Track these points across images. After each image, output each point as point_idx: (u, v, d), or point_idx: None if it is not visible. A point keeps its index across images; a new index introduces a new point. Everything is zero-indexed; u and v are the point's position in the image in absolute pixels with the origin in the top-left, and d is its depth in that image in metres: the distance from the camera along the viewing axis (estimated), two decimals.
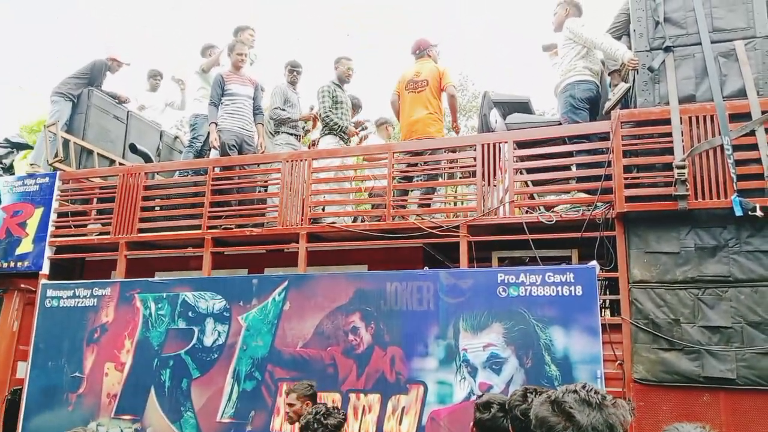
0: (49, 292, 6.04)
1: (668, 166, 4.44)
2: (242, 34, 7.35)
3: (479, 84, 20.56)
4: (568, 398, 1.61)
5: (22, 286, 6.44)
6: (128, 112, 8.14)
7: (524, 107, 5.82)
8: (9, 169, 7.22)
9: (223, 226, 5.86)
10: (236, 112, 6.59)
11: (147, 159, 7.47)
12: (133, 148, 7.45)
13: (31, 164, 6.95)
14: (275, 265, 6.05)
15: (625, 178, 4.53)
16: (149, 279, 5.84)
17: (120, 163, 7.54)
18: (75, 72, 7.51)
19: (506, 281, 4.65)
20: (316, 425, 3.29)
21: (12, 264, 6.36)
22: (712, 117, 4.45)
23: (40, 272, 6.23)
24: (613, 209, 4.59)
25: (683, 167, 4.34)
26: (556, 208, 4.97)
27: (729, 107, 4.44)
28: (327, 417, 3.35)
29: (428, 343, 4.72)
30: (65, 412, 5.61)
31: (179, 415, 5.27)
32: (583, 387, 1.64)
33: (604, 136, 4.80)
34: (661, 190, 4.44)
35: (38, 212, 6.45)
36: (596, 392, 1.63)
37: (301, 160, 5.73)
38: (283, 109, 7.08)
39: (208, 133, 6.70)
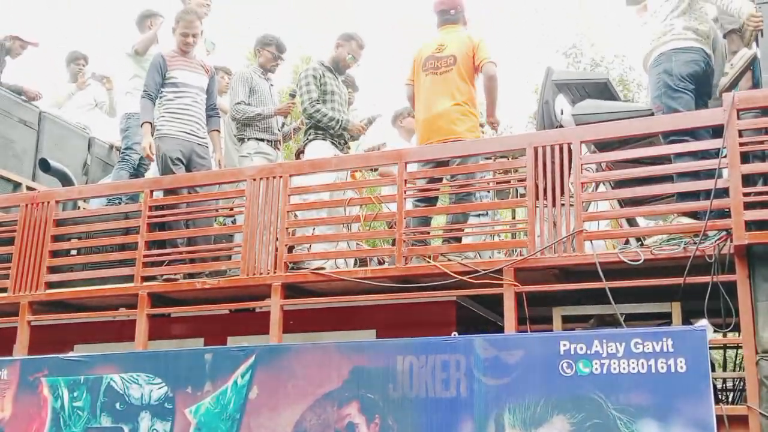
0: None
1: None
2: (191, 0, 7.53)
3: (599, 47, 20.98)
4: None
5: None
6: (41, 113, 8.43)
7: (602, 90, 5.86)
8: None
9: (164, 277, 5.99)
10: (183, 111, 6.69)
11: (65, 180, 7.68)
12: (45, 166, 7.66)
13: None
14: (244, 332, 6.14)
15: (746, 194, 4.49)
16: (61, 355, 5.98)
17: (28, 188, 7.79)
18: None
19: (573, 352, 4.64)
20: None
21: None
22: None
23: None
24: (730, 240, 4.55)
25: None
26: (645, 241, 4.95)
27: None
28: None
29: None
30: None
31: None
32: None
33: (718, 131, 4.77)
34: None
35: None
36: None
37: (274, 177, 5.84)
38: (249, 104, 7.22)
39: None
